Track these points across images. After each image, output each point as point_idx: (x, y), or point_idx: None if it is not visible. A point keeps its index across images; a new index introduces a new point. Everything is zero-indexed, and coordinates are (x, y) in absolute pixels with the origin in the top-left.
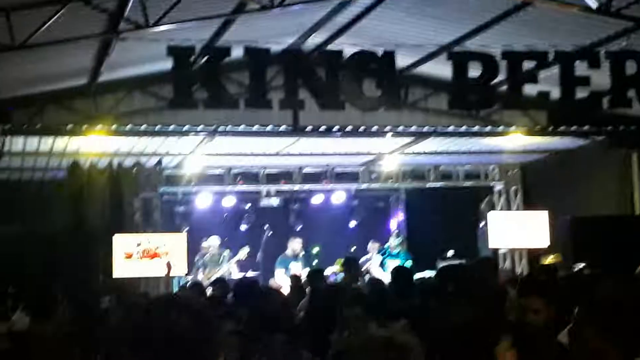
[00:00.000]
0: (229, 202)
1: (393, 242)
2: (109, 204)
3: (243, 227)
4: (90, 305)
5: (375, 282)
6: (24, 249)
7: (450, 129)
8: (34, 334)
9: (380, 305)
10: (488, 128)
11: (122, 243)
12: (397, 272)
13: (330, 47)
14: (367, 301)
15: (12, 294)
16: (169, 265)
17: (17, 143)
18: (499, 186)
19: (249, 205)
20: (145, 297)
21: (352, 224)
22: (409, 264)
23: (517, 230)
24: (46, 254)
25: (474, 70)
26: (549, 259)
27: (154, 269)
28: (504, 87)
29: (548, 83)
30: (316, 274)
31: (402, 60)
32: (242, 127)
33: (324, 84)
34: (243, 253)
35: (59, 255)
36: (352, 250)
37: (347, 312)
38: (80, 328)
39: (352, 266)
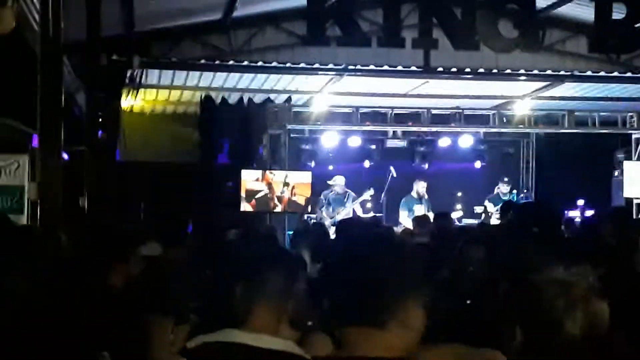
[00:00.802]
0: (355, 142)
1: (503, 188)
2: (238, 139)
3: (368, 167)
4: (216, 237)
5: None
6: (156, 179)
7: (588, 73)
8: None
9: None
10: (628, 73)
11: (249, 178)
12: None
13: None
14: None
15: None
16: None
17: (153, 76)
18: (636, 135)
19: (374, 145)
20: (272, 230)
21: (478, 164)
22: None
23: None
24: (177, 185)
25: (618, 12)
26: None
27: (279, 205)
28: None
29: None
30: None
31: (541, 1)
32: (371, 67)
33: (460, 23)
34: (367, 194)
35: (188, 187)
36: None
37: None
38: (206, 256)
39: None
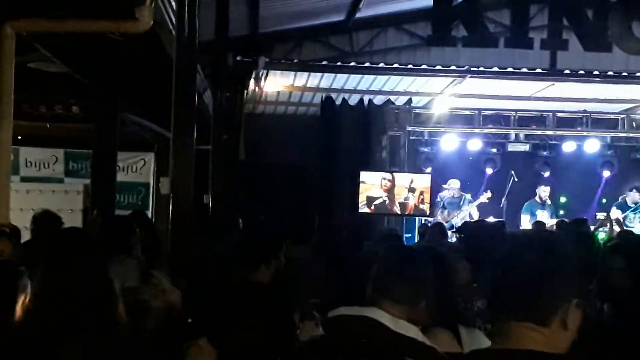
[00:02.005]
0: (475, 145)
1: (635, 196)
2: (358, 140)
3: (488, 171)
4: (336, 237)
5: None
6: (276, 179)
7: None
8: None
9: None
10: None
11: (368, 179)
12: None
13: None
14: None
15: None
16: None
17: (275, 76)
18: None
19: (495, 149)
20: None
21: (606, 174)
22: None
23: None
24: (297, 186)
25: None
26: None
27: (397, 207)
28: None
29: None
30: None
31: None
32: (495, 68)
33: (592, 23)
34: (485, 197)
35: (308, 188)
36: (604, 202)
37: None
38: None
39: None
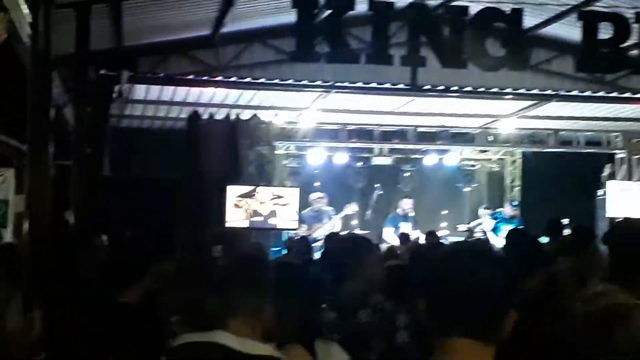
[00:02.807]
0: (341, 159)
1: (508, 209)
2: (225, 155)
3: (355, 184)
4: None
5: None
6: (141, 195)
7: (574, 93)
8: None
9: None
10: (614, 93)
11: (235, 194)
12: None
13: (456, 2)
14: None
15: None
16: None
17: (140, 91)
18: (621, 154)
19: (361, 163)
20: (260, 248)
21: (467, 188)
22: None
23: (637, 201)
24: (162, 201)
25: (604, 33)
26: None
27: (264, 221)
28: (635, 52)
29: None
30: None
31: (527, 21)
32: (359, 84)
33: (447, 41)
34: (350, 209)
35: (174, 203)
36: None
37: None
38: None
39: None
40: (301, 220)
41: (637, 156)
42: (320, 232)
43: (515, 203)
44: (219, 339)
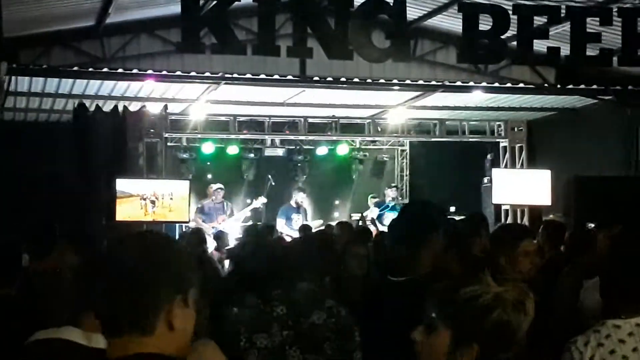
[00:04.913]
0: (233, 150)
1: (390, 192)
2: (113, 148)
3: (247, 175)
4: (93, 246)
5: None
6: (27, 189)
7: (458, 83)
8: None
9: None
10: (496, 84)
11: (124, 187)
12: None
13: None
14: None
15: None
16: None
17: (23, 83)
18: (504, 143)
19: (253, 154)
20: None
21: (355, 176)
22: None
23: (520, 188)
24: (49, 195)
25: (484, 24)
26: (551, 217)
27: (155, 214)
28: (514, 43)
29: (558, 39)
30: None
31: (412, 12)
32: (248, 75)
33: (333, 33)
34: (259, 202)
35: (62, 197)
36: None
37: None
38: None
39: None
40: (204, 212)
41: (519, 144)
42: (227, 224)
43: (394, 184)
44: (65, 335)
